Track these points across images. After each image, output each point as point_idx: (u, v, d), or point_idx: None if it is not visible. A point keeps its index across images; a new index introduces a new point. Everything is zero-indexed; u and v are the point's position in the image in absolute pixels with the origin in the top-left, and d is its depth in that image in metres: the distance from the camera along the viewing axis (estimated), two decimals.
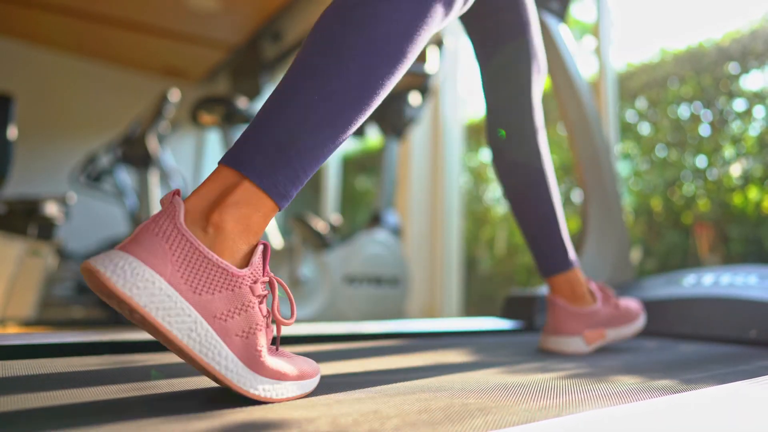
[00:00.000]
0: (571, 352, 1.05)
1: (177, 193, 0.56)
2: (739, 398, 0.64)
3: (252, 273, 0.56)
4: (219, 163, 0.59)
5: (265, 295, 0.58)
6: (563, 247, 1.10)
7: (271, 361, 0.57)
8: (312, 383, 0.62)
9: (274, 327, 0.62)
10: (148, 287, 0.50)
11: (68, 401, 0.55)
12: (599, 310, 1.10)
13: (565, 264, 1.10)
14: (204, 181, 0.58)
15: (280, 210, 0.60)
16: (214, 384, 0.66)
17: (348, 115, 0.62)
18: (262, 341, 0.57)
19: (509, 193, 1.13)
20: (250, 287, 0.56)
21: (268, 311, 0.59)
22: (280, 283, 0.60)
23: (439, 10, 0.68)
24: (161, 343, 0.54)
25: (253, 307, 0.56)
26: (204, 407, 0.54)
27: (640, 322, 1.17)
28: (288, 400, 0.58)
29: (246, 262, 0.57)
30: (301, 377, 0.60)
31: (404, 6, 0.64)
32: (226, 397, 0.59)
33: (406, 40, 0.65)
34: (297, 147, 0.59)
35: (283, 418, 0.51)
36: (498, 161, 1.14)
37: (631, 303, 1.18)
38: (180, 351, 0.53)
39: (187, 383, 0.66)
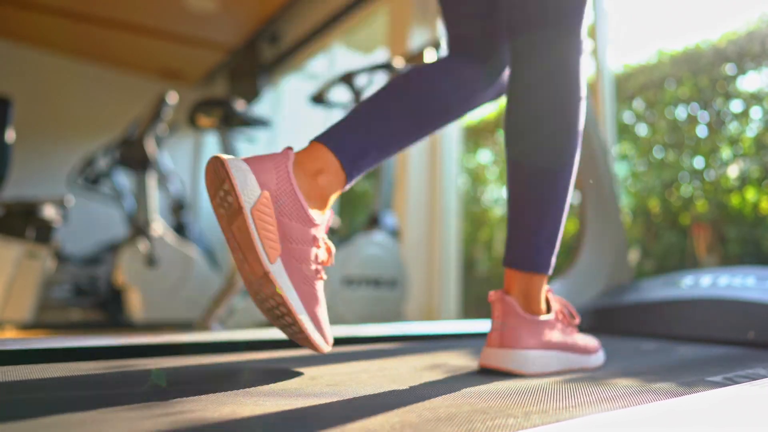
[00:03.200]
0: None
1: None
2: (737, 401, 0.64)
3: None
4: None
5: (563, 314, 0.89)
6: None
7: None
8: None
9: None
10: (528, 360, 0.84)
11: (66, 408, 0.55)
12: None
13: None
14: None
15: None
16: (211, 387, 0.66)
17: (569, 202, 0.91)
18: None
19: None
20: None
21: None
22: (562, 303, 0.93)
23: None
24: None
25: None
26: (201, 410, 0.54)
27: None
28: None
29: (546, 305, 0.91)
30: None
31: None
32: (224, 399, 0.59)
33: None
34: (557, 238, 0.91)
35: (279, 419, 0.51)
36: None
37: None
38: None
39: (186, 388, 0.66)
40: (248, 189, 0.71)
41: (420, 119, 0.94)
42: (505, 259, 0.91)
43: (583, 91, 0.91)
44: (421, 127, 0.95)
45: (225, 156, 0.72)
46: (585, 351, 0.93)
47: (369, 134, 0.88)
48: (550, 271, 0.90)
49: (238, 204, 0.71)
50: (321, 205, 0.80)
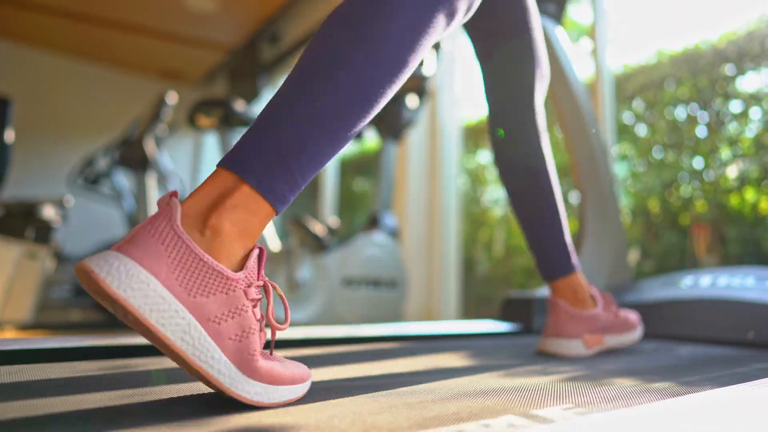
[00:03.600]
0: (571, 355, 1.05)
1: (174, 194, 0.56)
2: (737, 401, 0.64)
3: (246, 277, 0.56)
4: (217, 165, 0.59)
5: (259, 299, 0.58)
6: (566, 250, 1.10)
7: (264, 364, 0.57)
8: (303, 388, 0.62)
9: (268, 331, 0.62)
10: (142, 288, 0.50)
11: (66, 407, 0.55)
12: (600, 314, 1.10)
13: (568, 267, 1.10)
14: (202, 184, 0.58)
15: (277, 214, 0.60)
16: (209, 389, 0.66)
17: (347, 122, 0.62)
18: (255, 345, 0.56)
19: (512, 195, 1.13)
20: (244, 291, 0.56)
21: (261, 315, 0.59)
22: (274, 288, 0.61)
23: (441, 19, 0.69)
24: (155, 345, 0.54)
25: (246, 311, 0.56)
26: (199, 413, 0.54)
27: (638, 333, 1.19)
28: (279, 405, 0.58)
29: (242, 265, 0.57)
30: (292, 381, 0.60)
31: (406, 15, 0.64)
32: (222, 402, 0.59)
33: (406, 49, 0.65)
34: (296, 153, 0.59)
35: (276, 423, 0.51)
36: (500, 162, 1.13)
37: (630, 314, 1.19)
38: (173, 354, 0.53)
39: (185, 388, 0.66)
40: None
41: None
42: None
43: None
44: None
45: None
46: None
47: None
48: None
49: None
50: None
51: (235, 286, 0.55)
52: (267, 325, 0.52)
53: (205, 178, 0.62)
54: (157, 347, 0.54)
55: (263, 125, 0.60)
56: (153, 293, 0.51)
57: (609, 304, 1.15)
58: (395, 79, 0.65)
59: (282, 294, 0.61)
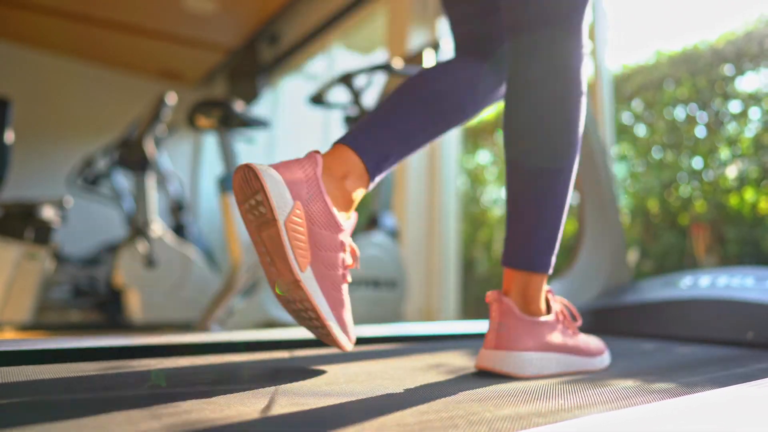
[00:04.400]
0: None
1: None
2: (737, 401, 0.64)
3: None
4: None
5: (564, 315, 0.89)
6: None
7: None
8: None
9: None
10: (525, 362, 0.82)
11: (66, 408, 0.55)
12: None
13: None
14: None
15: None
16: (211, 388, 0.66)
17: (569, 200, 0.90)
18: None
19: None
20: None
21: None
22: (564, 304, 0.92)
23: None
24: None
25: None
26: (199, 413, 0.54)
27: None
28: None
29: (546, 306, 0.89)
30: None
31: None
32: (222, 403, 0.59)
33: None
34: (556, 238, 0.89)
35: (278, 419, 0.51)
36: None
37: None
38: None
39: (185, 387, 0.66)
40: (282, 201, 0.72)
41: (435, 118, 0.97)
42: (504, 258, 0.89)
43: (584, 90, 0.90)
44: (437, 125, 0.98)
45: (257, 165, 0.73)
46: (588, 353, 0.91)
47: (390, 135, 0.90)
48: (550, 271, 0.89)
49: (272, 215, 0.72)
50: (347, 208, 0.83)
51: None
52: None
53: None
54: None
55: (528, 229, 0.89)
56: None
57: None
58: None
59: (569, 305, 0.92)
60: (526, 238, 0.88)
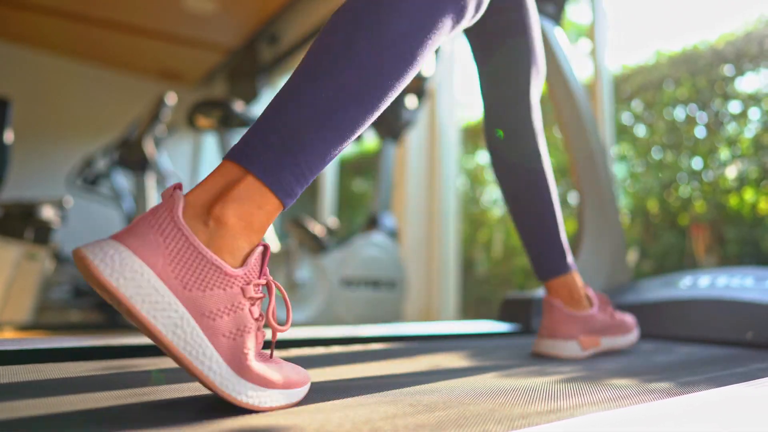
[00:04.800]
0: (566, 356, 1.03)
1: (178, 186, 0.55)
2: (736, 401, 0.64)
3: (246, 274, 0.55)
4: (224, 158, 0.58)
5: (260, 298, 0.57)
6: (561, 249, 1.09)
7: (258, 366, 0.55)
8: (300, 393, 0.60)
9: (268, 332, 0.60)
10: (135, 278, 0.49)
11: (66, 408, 0.55)
12: (595, 315, 1.08)
13: (563, 267, 1.09)
14: (207, 176, 0.57)
15: (284, 209, 0.59)
16: (208, 390, 0.66)
17: (353, 116, 0.61)
18: (250, 345, 0.55)
19: (508, 194, 1.12)
20: (242, 288, 0.55)
21: (261, 315, 0.57)
22: (278, 287, 0.59)
23: (448, 19, 0.68)
24: (147, 336, 0.53)
25: (242, 309, 0.54)
26: (199, 414, 0.54)
27: (634, 335, 1.17)
28: (272, 409, 0.56)
29: (244, 261, 0.56)
30: (288, 386, 0.58)
31: (414, 13, 0.64)
32: (221, 403, 0.59)
33: (414, 45, 0.64)
34: (303, 145, 0.58)
35: (272, 425, 0.51)
36: (497, 162, 1.12)
37: (626, 316, 1.18)
38: (164, 347, 0.51)
39: (185, 389, 0.66)
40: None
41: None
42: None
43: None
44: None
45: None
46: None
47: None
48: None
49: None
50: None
51: (233, 283, 0.54)
52: (266, 326, 0.51)
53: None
54: (150, 339, 0.52)
55: (269, 117, 0.59)
56: (146, 284, 0.50)
57: (605, 305, 1.13)
58: (399, 75, 0.64)
59: (285, 294, 0.60)
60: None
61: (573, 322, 1.05)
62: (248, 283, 0.55)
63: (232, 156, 0.58)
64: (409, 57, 0.64)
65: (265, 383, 0.55)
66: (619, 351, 1.16)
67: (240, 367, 0.54)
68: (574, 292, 1.08)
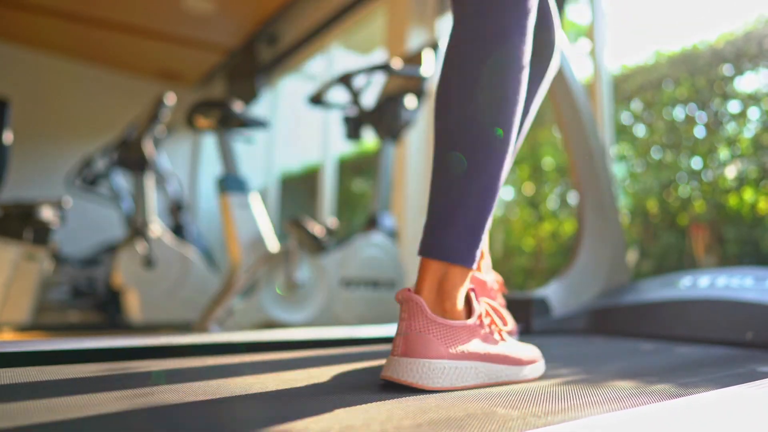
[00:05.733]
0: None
1: (410, 290, 0.75)
2: (735, 402, 0.64)
3: (479, 317, 0.79)
4: (423, 255, 0.79)
5: (490, 318, 0.81)
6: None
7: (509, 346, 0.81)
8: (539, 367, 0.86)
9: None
10: (435, 372, 0.71)
11: (65, 409, 0.55)
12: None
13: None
14: (420, 276, 0.78)
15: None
16: (211, 388, 0.66)
17: (499, 187, 0.81)
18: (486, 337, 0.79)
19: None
20: (480, 323, 0.78)
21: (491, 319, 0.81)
22: (491, 306, 0.83)
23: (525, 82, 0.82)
24: None
25: (482, 330, 0.79)
26: (199, 414, 0.54)
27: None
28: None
29: (467, 308, 0.80)
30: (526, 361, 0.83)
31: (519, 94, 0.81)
32: (221, 404, 0.59)
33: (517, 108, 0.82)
34: (481, 228, 0.79)
35: (277, 420, 0.51)
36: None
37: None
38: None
39: (185, 389, 0.66)
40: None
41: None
42: (420, 247, 0.80)
43: (524, 65, 0.80)
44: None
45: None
46: (516, 362, 0.81)
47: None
48: (474, 266, 0.78)
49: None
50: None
51: (477, 328, 0.78)
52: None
53: (418, 271, 0.79)
54: None
55: (449, 213, 0.79)
56: (442, 369, 0.72)
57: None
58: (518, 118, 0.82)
59: (497, 307, 0.84)
60: (446, 223, 0.78)
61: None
62: (479, 316, 0.79)
63: (435, 255, 0.78)
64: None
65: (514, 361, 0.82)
66: (620, 352, 1.16)
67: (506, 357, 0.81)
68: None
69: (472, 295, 0.80)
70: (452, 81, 0.80)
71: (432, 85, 3.03)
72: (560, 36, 1.07)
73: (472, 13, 0.80)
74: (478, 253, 0.79)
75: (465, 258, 0.77)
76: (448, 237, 0.78)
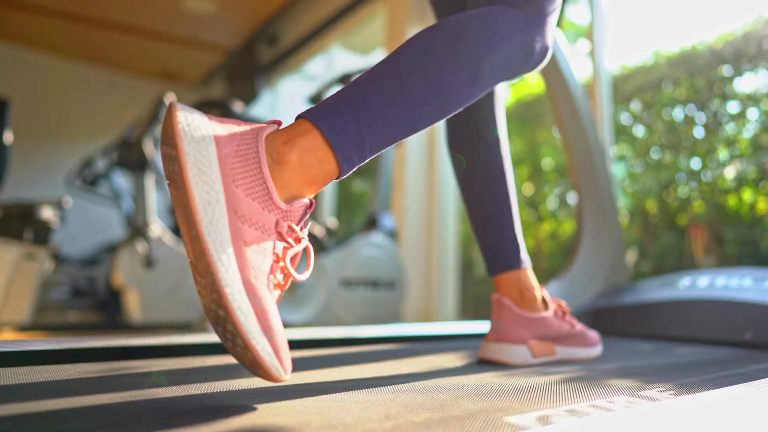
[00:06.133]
0: (514, 362, 0.93)
1: (278, 122, 0.62)
2: (734, 402, 0.65)
3: (286, 211, 0.59)
4: (297, 116, 0.64)
5: (287, 246, 0.59)
6: (515, 242, 1.00)
7: (264, 292, 0.55)
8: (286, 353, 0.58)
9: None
10: (200, 144, 0.54)
11: (65, 409, 0.55)
12: (550, 320, 0.98)
13: (516, 261, 0.99)
14: (285, 126, 0.63)
15: (339, 176, 0.64)
16: (211, 388, 0.66)
17: (421, 112, 0.68)
18: (263, 269, 0.56)
19: (461, 173, 1.02)
20: (277, 220, 0.58)
21: (280, 259, 0.59)
22: (306, 249, 0.62)
23: (518, 65, 0.79)
24: (181, 204, 0.55)
25: (268, 237, 0.57)
26: (199, 414, 0.54)
27: (597, 350, 1.05)
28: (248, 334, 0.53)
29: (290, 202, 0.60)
30: (267, 335, 0.55)
31: (501, 49, 0.74)
32: (222, 404, 0.59)
33: (493, 75, 0.74)
34: (369, 114, 0.64)
35: (276, 426, 0.51)
36: (453, 135, 1.04)
37: (591, 331, 1.07)
38: (191, 217, 0.52)
39: (185, 389, 0.66)
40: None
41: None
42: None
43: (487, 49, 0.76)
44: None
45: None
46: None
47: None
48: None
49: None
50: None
51: (272, 209, 0.57)
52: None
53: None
54: (182, 209, 0.55)
55: (344, 90, 0.66)
56: (206, 154, 0.54)
57: (564, 313, 1.03)
58: (471, 93, 0.73)
59: (311, 252, 0.63)
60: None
61: (523, 324, 0.95)
62: (284, 220, 0.59)
63: (304, 113, 0.64)
64: (487, 81, 0.74)
65: (261, 311, 0.54)
66: (620, 352, 1.16)
67: (246, 280, 0.54)
68: (526, 290, 0.98)
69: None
70: (422, 37, 0.73)
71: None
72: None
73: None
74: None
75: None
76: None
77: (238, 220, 0.54)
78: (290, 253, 0.59)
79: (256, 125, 0.60)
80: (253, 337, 0.53)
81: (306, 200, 0.61)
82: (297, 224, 0.60)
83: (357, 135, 0.63)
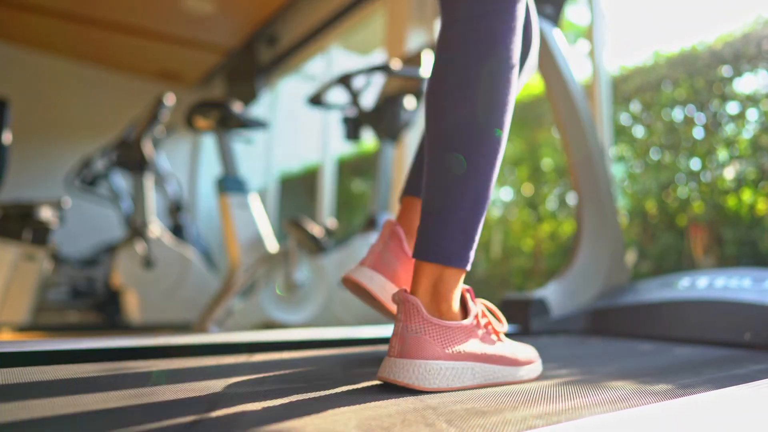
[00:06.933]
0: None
1: (406, 291, 0.74)
2: (734, 402, 0.65)
3: (475, 317, 0.79)
4: (417, 258, 0.78)
5: (487, 319, 0.82)
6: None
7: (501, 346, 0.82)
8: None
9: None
10: (431, 373, 0.71)
11: (65, 409, 0.55)
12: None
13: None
14: (415, 278, 0.78)
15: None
16: (210, 389, 0.66)
17: (492, 187, 0.81)
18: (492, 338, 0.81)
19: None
20: (476, 324, 0.79)
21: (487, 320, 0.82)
22: (487, 307, 0.84)
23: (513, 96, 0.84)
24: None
25: (479, 330, 0.79)
26: (200, 415, 0.54)
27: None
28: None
29: (463, 309, 0.81)
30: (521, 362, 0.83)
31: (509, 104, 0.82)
32: (222, 404, 0.59)
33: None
34: (474, 229, 0.79)
35: (280, 426, 0.51)
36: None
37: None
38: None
39: (186, 390, 0.66)
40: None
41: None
42: (414, 250, 0.79)
43: (515, 61, 0.81)
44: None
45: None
46: (513, 362, 0.81)
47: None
48: (467, 267, 0.78)
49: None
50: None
51: (474, 329, 0.78)
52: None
53: (415, 275, 0.79)
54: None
55: (443, 217, 0.78)
56: (438, 371, 0.72)
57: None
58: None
59: (496, 310, 0.86)
60: (440, 226, 0.78)
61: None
62: (476, 317, 0.79)
63: (430, 258, 0.77)
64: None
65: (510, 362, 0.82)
66: (619, 353, 1.16)
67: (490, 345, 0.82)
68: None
69: (468, 295, 0.81)
70: (446, 84, 0.80)
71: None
72: (537, 31, 1.06)
73: (463, 17, 0.80)
74: (472, 254, 0.79)
75: (460, 260, 0.77)
76: (442, 240, 0.77)
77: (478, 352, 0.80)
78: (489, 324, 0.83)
79: (417, 319, 0.73)
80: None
81: (468, 297, 0.82)
82: (475, 304, 0.82)
83: (471, 244, 0.80)
